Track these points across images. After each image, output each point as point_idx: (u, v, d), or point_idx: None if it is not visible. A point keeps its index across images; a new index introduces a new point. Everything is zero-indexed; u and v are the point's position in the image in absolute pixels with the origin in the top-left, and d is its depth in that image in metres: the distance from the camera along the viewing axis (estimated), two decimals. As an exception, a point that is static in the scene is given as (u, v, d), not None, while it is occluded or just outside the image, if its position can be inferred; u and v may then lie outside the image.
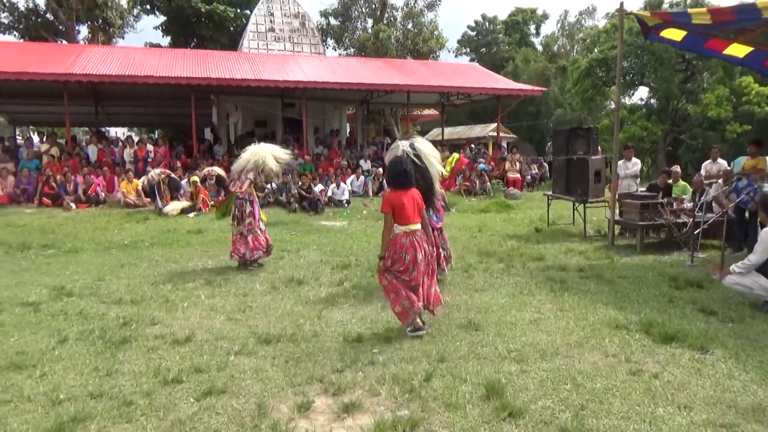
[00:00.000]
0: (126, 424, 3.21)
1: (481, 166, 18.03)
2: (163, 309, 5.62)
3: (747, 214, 8.42)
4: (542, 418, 3.20)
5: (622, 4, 8.50)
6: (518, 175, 18.36)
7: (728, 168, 9.42)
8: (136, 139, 18.65)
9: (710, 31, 6.83)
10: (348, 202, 14.33)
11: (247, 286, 6.61)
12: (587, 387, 3.60)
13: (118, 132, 31.45)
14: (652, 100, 30.38)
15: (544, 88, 24.36)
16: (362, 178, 16.39)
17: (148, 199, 13.69)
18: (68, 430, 3.12)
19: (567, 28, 44.43)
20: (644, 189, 10.68)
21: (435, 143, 23.22)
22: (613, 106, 32.84)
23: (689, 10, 6.58)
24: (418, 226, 4.82)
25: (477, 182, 17.13)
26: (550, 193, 11.67)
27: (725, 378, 3.74)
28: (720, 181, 9.00)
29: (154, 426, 3.18)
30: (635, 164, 10.79)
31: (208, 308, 5.65)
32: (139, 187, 13.82)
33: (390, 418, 3.21)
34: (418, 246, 4.75)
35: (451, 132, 32.45)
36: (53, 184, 13.56)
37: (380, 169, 16.92)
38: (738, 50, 7.50)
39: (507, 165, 18.63)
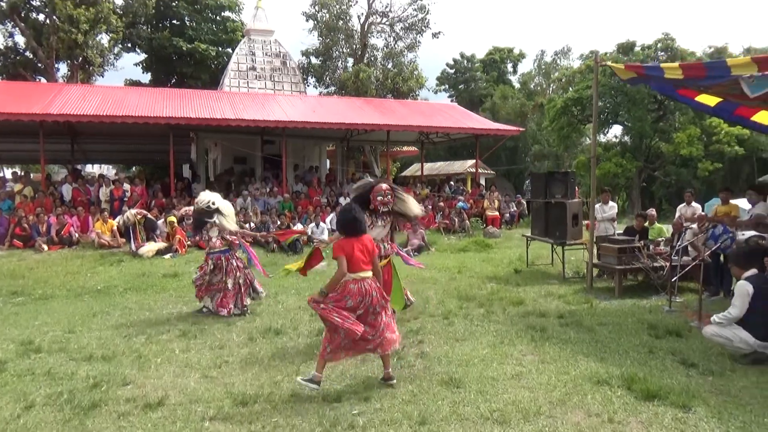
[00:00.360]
0: (92, 507, 3.05)
1: (460, 204, 18.16)
2: (136, 366, 5.43)
3: (722, 258, 8.56)
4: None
5: (596, 54, 8.76)
6: (497, 213, 18.52)
7: (702, 213, 9.62)
8: (112, 177, 18.43)
9: (683, 84, 7.04)
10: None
11: (224, 337, 6.46)
12: (571, 453, 3.54)
13: (93, 167, 31.11)
14: (626, 138, 31.18)
15: (521, 128, 24.82)
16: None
17: (123, 240, 13.45)
18: None
19: (543, 67, 45.55)
20: (621, 232, 10.81)
21: (414, 179, 23.31)
22: (588, 142, 33.59)
23: (662, 65, 6.78)
24: (369, 274, 4.80)
25: (456, 220, 17.23)
26: (529, 234, 11.76)
27: (708, 440, 3.71)
28: (695, 226, 9.16)
29: (122, 508, 3.02)
30: (612, 208, 10.95)
31: (182, 364, 5.49)
32: (114, 228, 13.58)
33: (370, 494, 3.10)
34: (366, 293, 4.72)
35: (431, 168, 32.79)
36: (25, 225, 13.25)
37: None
38: (708, 100, 7.73)
39: (486, 203, 18.79)
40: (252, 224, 14.27)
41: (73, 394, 4.69)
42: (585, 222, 11.37)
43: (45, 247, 12.81)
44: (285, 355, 5.71)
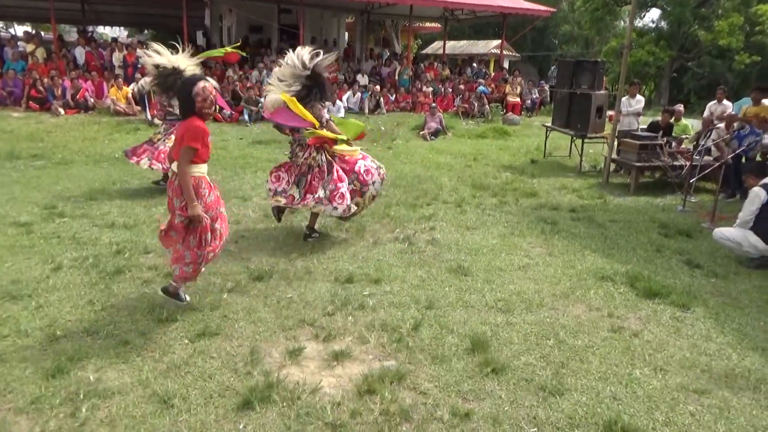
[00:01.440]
0: (123, 365, 3.31)
1: (481, 88, 17.62)
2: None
3: (744, 160, 8.39)
4: (524, 375, 3.33)
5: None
6: (518, 100, 18.00)
7: (731, 113, 9.27)
8: (125, 41, 17.88)
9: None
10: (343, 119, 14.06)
11: (240, 212, 6.61)
12: (569, 343, 3.73)
13: (105, 29, 30.11)
14: (663, 23, 29.26)
15: (552, 9, 23.28)
16: (359, 94, 15.99)
17: (138, 108, 13.36)
18: (67, 370, 3.21)
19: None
20: (645, 127, 10.53)
21: (435, 58, 22.29)
22: (623, 25, 31.63)
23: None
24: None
25: (476, 105, 16.81)
26: (549, 124, 11.50)
27: (703, 340, 3.87)
28: (722, 125, 8.87)
29: (151, 368, 3.28)
30: (639, 102, 10.55)
31: (201, 237, 5.67)
32: (129, 95, 13.43)
33: (378, 368, 3.33)
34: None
35: (453, 46, 31.35)
36: (40, 87, 13.13)
37: (377, 87, 16.50)
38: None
39: (507, 88, 18.20)
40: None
41: (98, 259, 4.92)
42: (609, 113, 11.06)
43: (61, 110, 12.79)
44: (299, 234, 5.86)
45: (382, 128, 13.77)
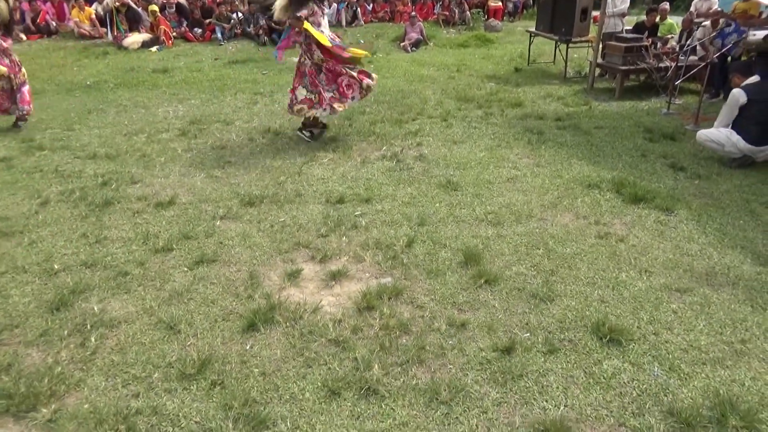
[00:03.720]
0: (125, 295, 3.38)
1: (461, -7, 16.93)
2: (141, 165, 5.56)
3: (729, 60, 8.32)
4: (515, 284, 3.46)
5: None
6: (500, 4, 17.40)
7: (717, 8, 9.07)
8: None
9: None
10: (321, 34, 13.52)
11: (224, 137, 6.51)
12: (558, 252, 3.85)
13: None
14: None
15: None
16: (335, 5, 15.31)
17: (104, 29, 12.72)
18: (70, 303, 3.27)
19: None
20: (630, 28, 10.30)
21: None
22: None
23: None
24: None
25: (456, 12, 16.25)
26: (533, 30, 11.19)
27: (685, 241, 4.02)
28: (708, 23, 8.71)
29: (153, 297, 3.35)
30: (624, 1, 10.24)
31: (186, 164, 5.62)
32: (93, 16, 12.73)
33: (375, 286, 3.44)
34: None
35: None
36: (-4, 12, 12.33)
37: None
38: None
39: (489, -8, 17.50)
40: (240, 14, 13.38)
41: (85, 191, 4.87)
42: (594, 14, 10.77)
43: (23, 36, 12.14)
44: (286, 156, 5.82)
45: (361, 41, 13.33)
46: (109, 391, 2.64)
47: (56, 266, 3.67)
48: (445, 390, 2.60)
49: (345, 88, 6.02)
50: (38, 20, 12.64)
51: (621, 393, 2.61)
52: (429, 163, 5.61)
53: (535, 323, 3.10)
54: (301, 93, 6.10)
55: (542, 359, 2.82)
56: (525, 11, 18.25)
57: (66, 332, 3.04)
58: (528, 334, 3.00)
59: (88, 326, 3.08)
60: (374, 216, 4.42)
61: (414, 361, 2.80)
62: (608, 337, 2.95)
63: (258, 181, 5.16)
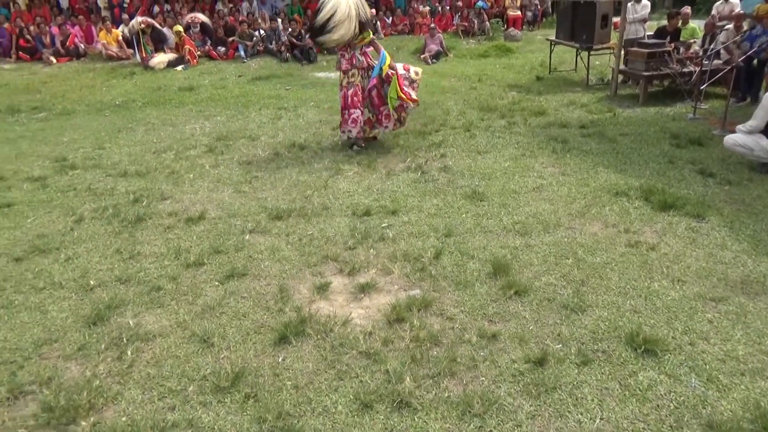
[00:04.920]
0: (159, 309, 3.44)
1: (480, 3, 16.97)
2: (170, 182, 5.67)
3: (755, 63, 8.18)
4: (546, 295, 3.44)
5: None
6: (519, 13, 17.37)
7: (740, 11, 8.95)
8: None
9: None
10: (341, 48, 13.66)
11: (250, 152, 6.60)
12: (588, 261, 3.82)
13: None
14: None
15: None
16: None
17: (131, 50, 13.03)
18: (106, 317, 3.34)
19: None
20: (651, 33, 10.21)
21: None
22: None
23: None
24: None
25: (475, 22, 16.26)
26: (553, 38, 11.16)
27: (718, 248, 3.95)
28: (731, 26, 8.60)
29: (186, 311, 3.41)
30: (644, 7, 10.15)
31: (214, 179, 5.71)
32: (120, 38, 13.07)
33: (404, 298, 3.45)
34: None
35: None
36: (28, 36, 12.78)
37: (373, 10, 15.91)
38: None
39: (507, 1, 17.52)
40: (261, 31, 13.61)
41: (118, 208, 4.98)
42: (614, 20, 10.70)
43: (53, 59, 12.50)
44: (312, 170, 5.88)
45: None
46: (146, 404, 2.69)
47: (92, 282, 3.76)
48: (478, 402, 2.59)
49: (384, 117, 6.49)
50: (67, 43, 13.00)
51: (658, 405, 2.57)
52: (454, 173, 5.62)
53: (567, 334, 3.07)
54: (366, 114, 6.48)
55: (576, 371, 2.79)
56: (544, 19, 18.19)
57: (103, 346, 3.11)
58: (560, 346, 2.98)
59: (124, 340, 3.14)
60: (401, 228, 4.44)
61: (446, 374, 2.80)
62: (643, 347, 2.91)
63: (285, 195, 5.22)
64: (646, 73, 8.44)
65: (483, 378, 2.77)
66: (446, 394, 2.67)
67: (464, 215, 4.63)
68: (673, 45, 8.87)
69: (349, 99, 6.28)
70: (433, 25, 14.21)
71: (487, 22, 16.22)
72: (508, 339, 3.05)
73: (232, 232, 4.47)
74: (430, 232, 4.35)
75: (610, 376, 2.75)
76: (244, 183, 5.59)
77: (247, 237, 4.36)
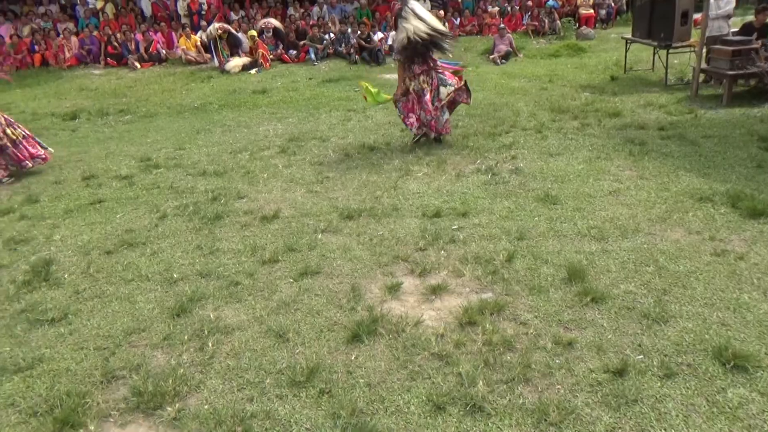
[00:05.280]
0: (237, 304, 3.58)
1: (550, 2, 16.58)
2: (246, 181, 5.87)
3: None
4: (624, 303, 3.32)
5: None
6: (591, 11, 16.82)
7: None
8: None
9: None
10: (409, 50, 13.68)
11: (321, 153, 6.74)
12: (670, 269, 3.65)
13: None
14: None
15: None
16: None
17: (209, 55, 13.60)
18: (189, 310, 3.51)
19: None
20: (736, 30, 9.62)
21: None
22: None
23: None
24: None
25: (546, 21, 15.90)
26: (629, 36, 10.74)
27: (816, 260, 3.68)
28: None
29: (263, 306, 3.52)
30: (728, 2, 9.58)
31: (287, 179, 5.87)
32: (198, 43, 13.67)
33: (476, 301, 3.42)
34: None
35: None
36: (115, 43, 13.59)
37: (441, 12, 15.87)
38: None
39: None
40: (332, 35, 13.87)
41: (198, 206, 5.21)
42: (695, 16, 10.17)
43: (137, 64, 13.24)
44: (381, 171, 5.94)
45: (450, 55, 13.35)
46: (226, 394, 2.81)
47: (175, 275, 3.96)
48: (554, 411, 2.54)
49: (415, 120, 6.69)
50: (150, 49, 13.75)
51: (750, 425, 2.43)
52: (525, 176, 5.52)
53: (648, 345, 2.95)
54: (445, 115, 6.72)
55: (659, 384, 2.68)
56: (619, 17, 17.53)
57: (186, 337, 3.26)
58: (641, 357, 2.86)
59: (206, 332, 3.29)
60: (472, 230, 4.41)
61: (520, 379, 2.76)
62: (732, 363, 2.75)
63: (355, 196, 5.30)
64: (730, 72, 7.97)
65: (559, 386, 2.71)
66: (521, 401, 2.62)
67: (537, 218, 4.54)
68: (760, 42, 8.34)
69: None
70: (502, 25, 14.02)
71: (558, 21, 15.82)
72: (584, 347, 2.96)
73: (305, 230, 4.58)
74: (502, 234, 4.29)
75: (696, 392, 2.62)
76: (315, 183, 5.72)
77: (319, 236, 4.46)
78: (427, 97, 6.54)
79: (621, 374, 2.74)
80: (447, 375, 2.82)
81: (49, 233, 4.84)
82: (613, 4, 17.52)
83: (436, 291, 3.58)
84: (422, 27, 6.32)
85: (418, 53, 6.52)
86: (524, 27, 16.09)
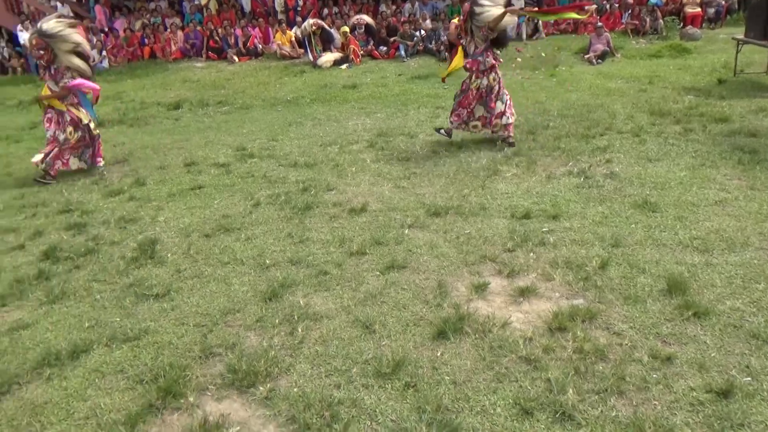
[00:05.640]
0: (326, 293, 3.67)
1: (653, 0, 15.70)
2: (335, 174, 6.01)
3: None
4: (731, 321, 3.11)
5: None
6: (698, 10, 15.78)
7: None
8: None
9: None
10: (500, 48, 13.43)
11: (408, 149, 6.77)
12: (784, 288, 3.38)
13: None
14: None
15: None
16: (515, 19, 15.13)
17: (302, 50, 14.02)
18: (280, 295, 3.64)
19: None
20: None
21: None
22: None
23: None
24: None
25: (647, 20, 15.07)
26: (742, 37, 9.99)
27: None
28: None
29: (350, 297, 3.60)
30: None
31: (375, 174, 5.95)
32: (293, 38, 14.12)
33: (567, 306, 3.32)
34: None
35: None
36: (216, 38, 14.31)
37: (536, 8, 15.46)
38: None
39: (686, -3, 16.01)
40: (422, 31, 13.88)
41: (289, 196, 5.39)
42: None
43: (236, 58, 13.88)
44: (469, 170, 5.88)
45: (543, 54, 13.01)
46: (314, 379, 2.89)
47: (268, 261, 4.12)
48: (650, 428, 2.42)
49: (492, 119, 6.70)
50: (248, 44, 14.37)
51: None
52: (621, 181, 5.28)
53: (757, 367, 2.74)
54: (479, 111, 6.68)
55: (768, 409, 2.49)
56: (729, 17, 16.35)
57: (277, 321, 3.39)
58: (749, 379, 2.67)
59: (296, 317, 3.40)
60: (563, 234, 4.28)
61: (613, 391, 2.65)
62: None
63: (442, 193, 5.28)
64: None
65: (656, 402, 2.58)
66: (614, 413, 2.52)
67: (633, 225, 4.34)
68: None
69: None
70: (600, 23, 13.46)
71: (661, 20, 14.97)
72: (685, 363, 2.80)
73: (392, 225, 4.63)
74: (595, 240, 4.13)
75: (812, 421, 2.41)
76: (402, 178, 5.76)
77: (406, 231, 4.49)
78: (494, 94, 6.59)
79: (726, 396, 2.57)
80: (535, 380, 2.76)
81: (155, 214, 5.18)
82: (723, 3, 16.36)
83: (525, 293, 3.51)
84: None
85: (500, 43, 6.60)
86: (623, 26, 15.36)
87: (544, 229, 4.37)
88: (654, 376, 2.73)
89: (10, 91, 11.96)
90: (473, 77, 6.59)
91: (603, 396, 2.63)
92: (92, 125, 6.62)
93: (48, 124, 6.41)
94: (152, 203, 5.47)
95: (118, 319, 3.53)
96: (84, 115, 6.51)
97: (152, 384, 2.88)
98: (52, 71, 6.31)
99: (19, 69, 14.45)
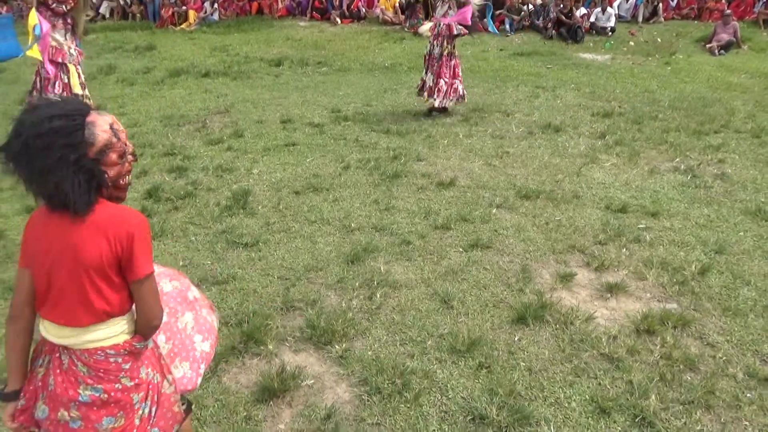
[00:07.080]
0: (407, 262, 3.69)
1: (796, -13, 14.14)
2: (426, 145, 5.96)
3: None
4: None
5: None
6: None
7: None
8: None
9: None
10: (613, 29, 12.67)
11: (503, 127, 6.59)
12: None
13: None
14: None
15: None
16: (632, 0, 14.19)
17: (403, 17, 13.85)
18: (362, 259, 3.69)
19: None
20: None
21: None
22: None
23: None
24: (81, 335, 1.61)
25: (785, 10, 13.65)
26: None
27: None
28: None
29: (431, 269, 3.59)
30: None
31: (466, 149, 5.84)
32: (396, 4, 13.97)
33: (658, 309, 3.15)
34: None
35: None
36: (322, -1, 14.43)
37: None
38: None
39: (837, -13, 14.30)
40: (531, 6, 13.32)
41: (378, 162, 5.42)
42: None
43: (338, 20, 13.96)
44: (565, 155, 5.66)
45: (659, 39, 12.15)
46: (389, 346, 2.93)
47: (353, 224, 4.18)
48: (738, 448, 2.27)
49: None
50: (352, 6, 14.39)
51: None
52: (733, 183, 4.90)
53: None
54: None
55: None
56: None
57: (357, 284, 3.45)
58: None
59: (375, 283, 3.44)
60: (661, 232, 4.04)
61: (700, 404, 2.50)
62: None
63: (534, 176, 5.12)
64: None
65: (747, 422, 2.41)
66: (698, 427, 2.39)
67: (742, 233, 4.02)
68: None
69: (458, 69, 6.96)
70: (728, 11, 12.34)
71: (802, 12, 13.49)
72: (786, 387, 2.59)
73: (479, 203, 4.55)
74: (697, 244, 3.87)
75: None
76: (494, 157, 5.62)
77: (494, 211, 4.40)
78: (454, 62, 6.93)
79: (831, 430, 2.36)
80: (616, 380, 2.66)
81: (249, 166, 5.38)
82: None
83: (613, 290, 3.36)
84: None
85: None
86: (755, 15, 14.00)
87: (640, 226, 4.15)
88: (748, 395, 2.55)
89: (129, 36, 12.69)
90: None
91: (688, 408, 2.49)
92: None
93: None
94: (248, 155, 5.67)
95: (209, 262, 3.72)
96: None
97: (236, 328, 3.03)
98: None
99: (138, 15, 15.28)
